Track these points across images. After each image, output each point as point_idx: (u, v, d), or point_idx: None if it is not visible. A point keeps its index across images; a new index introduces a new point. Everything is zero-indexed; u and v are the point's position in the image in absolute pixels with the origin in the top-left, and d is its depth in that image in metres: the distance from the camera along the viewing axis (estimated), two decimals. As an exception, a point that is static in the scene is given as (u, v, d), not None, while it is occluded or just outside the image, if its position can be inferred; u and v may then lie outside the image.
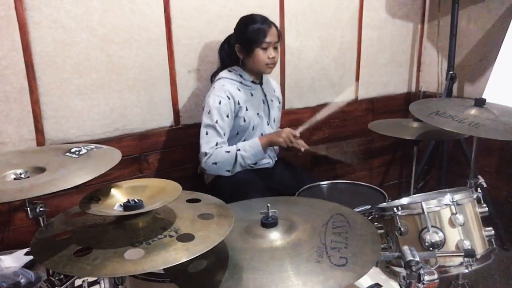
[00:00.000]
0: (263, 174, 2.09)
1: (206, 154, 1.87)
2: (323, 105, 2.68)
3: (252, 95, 2.02)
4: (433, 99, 2.20)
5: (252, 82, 2.02)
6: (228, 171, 1.91)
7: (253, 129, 2.02)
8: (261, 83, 2.08)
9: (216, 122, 1.87)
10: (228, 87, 1.93)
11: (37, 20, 1.81)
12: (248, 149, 1.91)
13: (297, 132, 1.96)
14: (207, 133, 1.88)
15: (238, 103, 1.94)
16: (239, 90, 1.97)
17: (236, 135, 2.00)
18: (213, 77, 2.08)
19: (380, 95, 2.94)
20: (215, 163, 1.87)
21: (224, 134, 1.90)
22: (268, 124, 2.10)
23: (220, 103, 1.88)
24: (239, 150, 1.89)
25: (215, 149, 1.87)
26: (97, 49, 1.95)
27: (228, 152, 1.88)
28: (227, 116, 1.90)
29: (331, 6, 2.57)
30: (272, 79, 2.21)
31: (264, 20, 1.93)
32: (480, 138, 1.64)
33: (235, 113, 1.95)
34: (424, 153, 2.75)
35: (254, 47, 1.91)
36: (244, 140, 2.02)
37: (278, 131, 2.02)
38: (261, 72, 2.02)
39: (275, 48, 1.95)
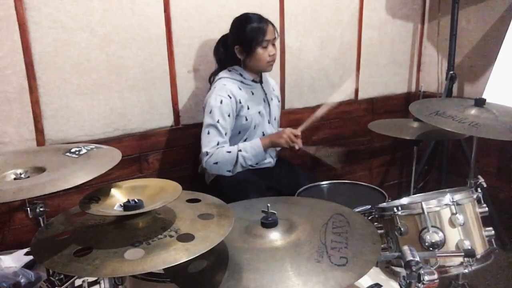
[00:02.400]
0: (264, 174, 2.09)
1: (207, 153, 1.87)
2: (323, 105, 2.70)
3: (253, 93, 2.02)
4: (433, 99, 2.20)
5: (253, 81, 2.03)
6: (229, 171, 1.91)
7: (254, 127, 2.02)
8: (261, 82, 2.08)
9: (218, 121, 1.87)
10: (229, 86, 1.93)
11: (37, 20, 1.81)
12: (249, 150, 1.91)
13: (298, 132, 1.96)
14: (208, 133, 1.88)
15: (240, 102, 1.94)
16: (240, 89, 1.97)
17: (238, 134, 2.00)
18: (211, 78, 2.08)
19: (380, 95, 2.94)
20: (216, 163, 1.87)
21: (225, 134, 1.90)
22: (269, 123, 2.10)
23: (221, 102, 1.88)
24: (240, 150, 1.90)
25: (216, 148, 1.87)
26: (97, 49, 1.95)
27: (229, 152, 1.88)
28: (229, 116, 1.90)
29: (331, 6, 2.57)
30: (270, 78, 2.21)
31: (260, 19, 1.93)
32: (480, 138, 1.64)
33: (237, 112, 1.95)
34: (424, 153, 2.75)
35: (255, 46, 1.91)
36: (246, 139, 2.02)
37: (279, 132, 2.02)
38: (262, 70, 2.03)
39: (273, 44, 1.96)
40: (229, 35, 2.02)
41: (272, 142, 1.96)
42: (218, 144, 1.88)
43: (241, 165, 1.91)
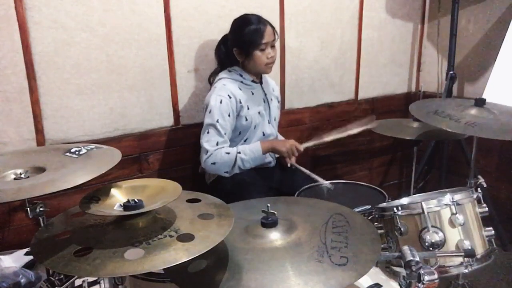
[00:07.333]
0: (264, 174, 2.09)
1: (206, 153, 1.87)
2: (323, 106, 2.70)
3: (252, 94, 2.02)
4: (434, 99, 2.20)
5: (252, 81, 2.03)
6: (227, 172, 1.91)
7: (254, 128, 2.03)
8: (261, 82, 2.08)
9: (217, 121, 1.87)
10: (229, 87, 1.93)
11: (37, 20, 1.81)
12: (249, 153, 1.92)
13: (302, 148, 1.98)
14: (208, 132, 1.88)
15: (240, 102, 1.94)
16: (240, 89, 1.97)
17: (239, 134, 2.01)
18: (211, 78, 2.08)
19: (380, 95, 2.94)
20: (214, 163, 1.87)
21: (225, 134, 1.90)
22: (269, 123, 2.10)
23: (221, 102, 1.88)
24: (239, 153, 1.90)
25: (216, 149, 1.87)
26: (97, 49, 1.95)
27: (228, 153, 1.88)
28: (229, 115, 1.90)
29: (331, 6, 2.57)
30: (270, 79, 2.21)
31: (259, 20, 1.92)
32: (480, 138, 1.65)
33: (237, 113, 1.95)
34: (424, 153, 2.75)
35: (252, 49, 1.91)
36: (246, 139, 2.02)
37: (283, 140, 2.04)
38: (261, 72, 2.03)
39: (273, 46, 1.96)
40: (229, 36, 2.01)
41: (274, 148, 1.97)
42: (217, 144, 1.88)
43: (239, 167, 1.91)
